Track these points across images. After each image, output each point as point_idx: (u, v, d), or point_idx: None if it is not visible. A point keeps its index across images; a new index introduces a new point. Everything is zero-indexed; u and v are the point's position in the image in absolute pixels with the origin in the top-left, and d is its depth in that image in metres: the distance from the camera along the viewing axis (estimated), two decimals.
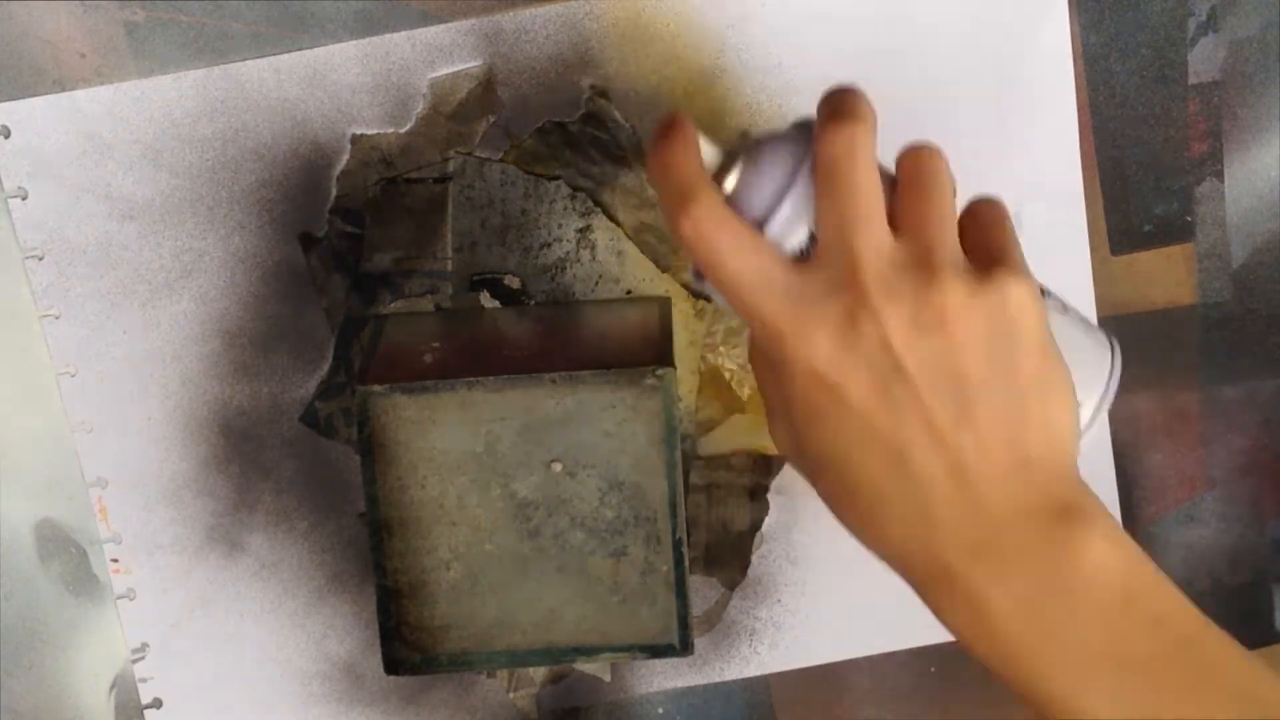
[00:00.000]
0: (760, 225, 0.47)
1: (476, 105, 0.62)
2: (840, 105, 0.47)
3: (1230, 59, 0.65)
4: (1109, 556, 0.48)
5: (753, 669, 0.68)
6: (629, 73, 0.63)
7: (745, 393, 0.66)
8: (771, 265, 0.46)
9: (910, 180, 0.47)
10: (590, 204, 0.64)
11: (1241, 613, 0.70)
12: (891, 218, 0.47)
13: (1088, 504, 0.49)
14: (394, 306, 0.64)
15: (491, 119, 0.63)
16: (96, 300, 0.63)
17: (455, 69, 0.62)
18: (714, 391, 0.66)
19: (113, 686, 0.67)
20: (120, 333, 0.63)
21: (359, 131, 0.62)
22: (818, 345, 0.46)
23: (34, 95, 0.61)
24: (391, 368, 0.58)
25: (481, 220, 0.64)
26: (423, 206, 0.63)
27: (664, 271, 0.65)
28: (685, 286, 0.65)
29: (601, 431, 0.57)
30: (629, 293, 0.65)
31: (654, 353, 0.57)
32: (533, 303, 0.64)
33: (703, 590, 0.67)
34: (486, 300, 0.64)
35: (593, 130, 0.63)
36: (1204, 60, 0.65)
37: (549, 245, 0.64)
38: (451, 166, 0.63)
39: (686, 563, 0.58)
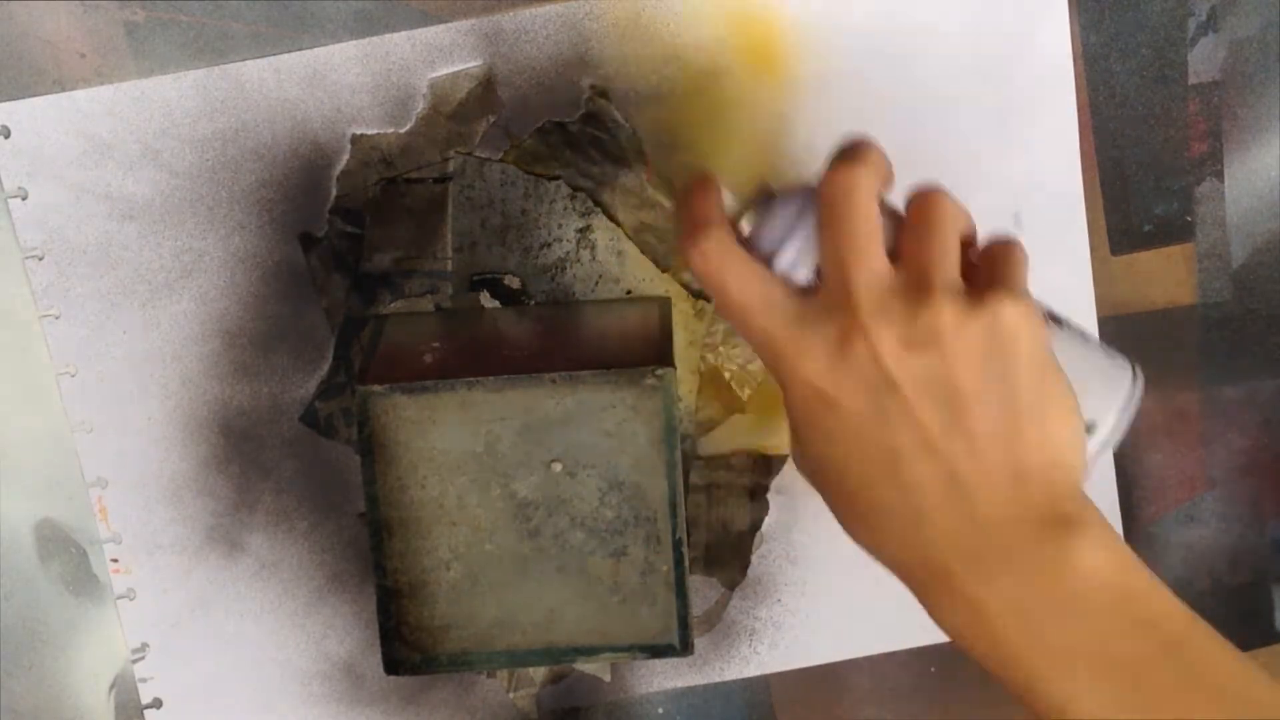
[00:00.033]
0: (769, 262, 0.51)
1: (476, 105, 0.62)
2: (848, 150, 0.50)
3: (1230, 59, 0.65)
4: (1101, 561, 0.49)
5: (753, 669, 0.68)
6: (629, 73, 0.62)
7: (745, 393, 0.66)
8: (773, 291, 0.50)
9: (914, 217, 0.50)
10: (590, 204, 0.64)
11: (1241, 613, 0.70)
12: (895, 254, 0.49)
13: (1084, 513, 0.49)
14: (394, 306, 0.64)
15: (491, 119, 0.63)
16: (96, 300, 0.63)
17: (455, 69, 0.62)
18: (714, 391, 0.66)
19: (113, 686, 0.67)
20: (120, 333, 0.63)
21: (359, 131, 0.62)
22: (814, 361, 0.49)
23: (34, 95, 0.61)
24: (391, 368, 0.58)
25: (481, 220, 0.64)
26: (423, 206, 0.63)
27: (664, 271, 0.65)
28: (685, 287, 0.65)
29: (601, 431, 0.57)
30: (629, 293, 0.65)
31: (654, 353, 0.57)
32: (533, 303, 0.64)
33: (703, 590, 0.67)
34: (486, 300, 0.64)
35: (593, 130, 0.63)
36: (1204, 60, 0.65)
37: (549, 245, 0.64)
38: (451, 166, 0.63)
39: (686, 563, 0.58)
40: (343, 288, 0.64)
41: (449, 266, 0.64)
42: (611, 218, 0.64)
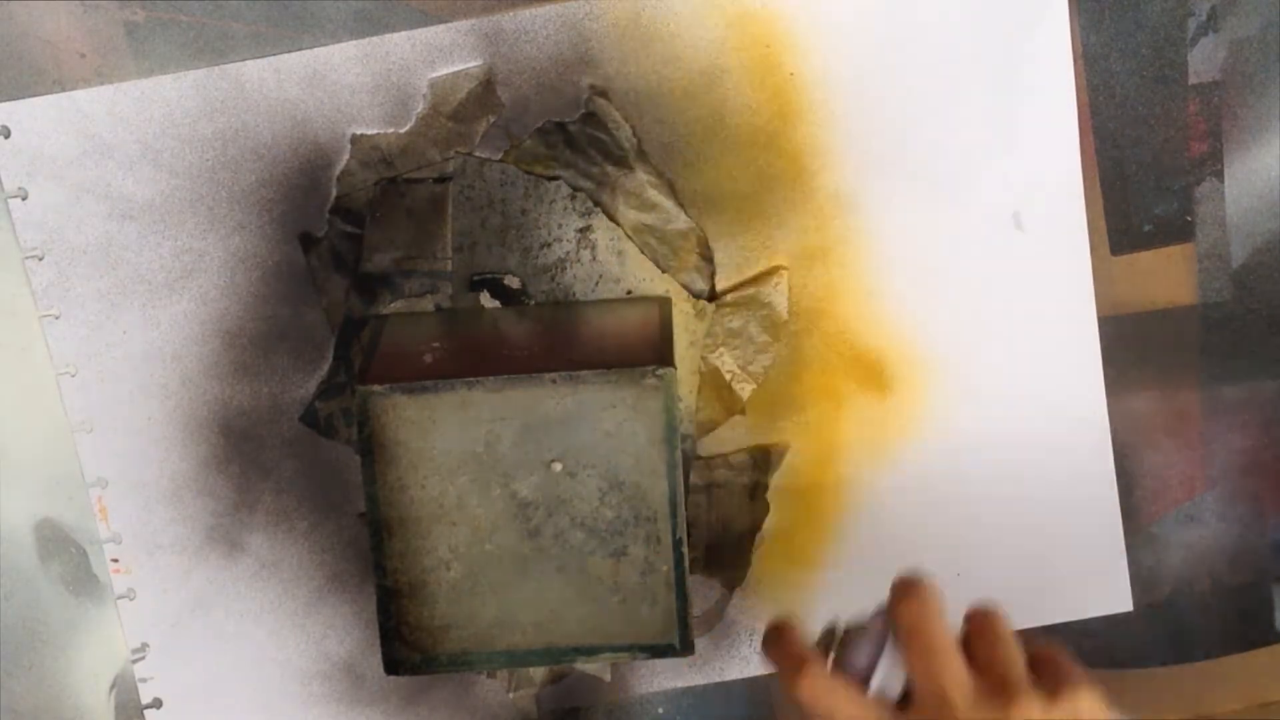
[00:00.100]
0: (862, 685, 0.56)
1: (476, 105, 0.62)
2: (907, 585, 0.56)
3: (1230, 59, 0.65)
4: None
5: (753, 669, 0.68)
6: (629, 73, 0.63)
7: (745, 393, 0.66)
8: (878, 711, 0.54)
9: (978, 630, 0.56)
10: (590, 204, 0.64)
11: (1241, 613, 0.70)
12: (967, 660, 0.55)
13: None
14: (394, 306, 0.64)
15: (491, 119, 0.63)
16: (96, 300, 0.63)
17: (455, 69, 0.62)
18: (714, 391, 0.66)
19: (113, 686, 0.67)
20: (120, 333, 0.63)
21: (359, 131, 0.62)
22: None
23: (34, 95, 0.61)
24: (391, 368, 0.58)
25: (481, 220, 0.64)
26: (423, 206, 0.63)
27: (664, 272, 0.65)
28: (685, 287, 0.65)
29: (602, 431, 0.57)
30: (629, 293, 0.65)
31: (654, 353, 0.57)
32: (533, 303, 0.64)
33: (703, 590, 0.67)
34: (486, 300, 0.64)
35: (593, 130, 0.63)
36: (1204, 60, 0.65)
37: (549, 245, 0.64)
38: (451, 166, 0.63)
39: (686, 563, 0.58)
40: (343, 288, 0.64)
41: (449, 266, 0.64)
42: (611, 218, 0.64)
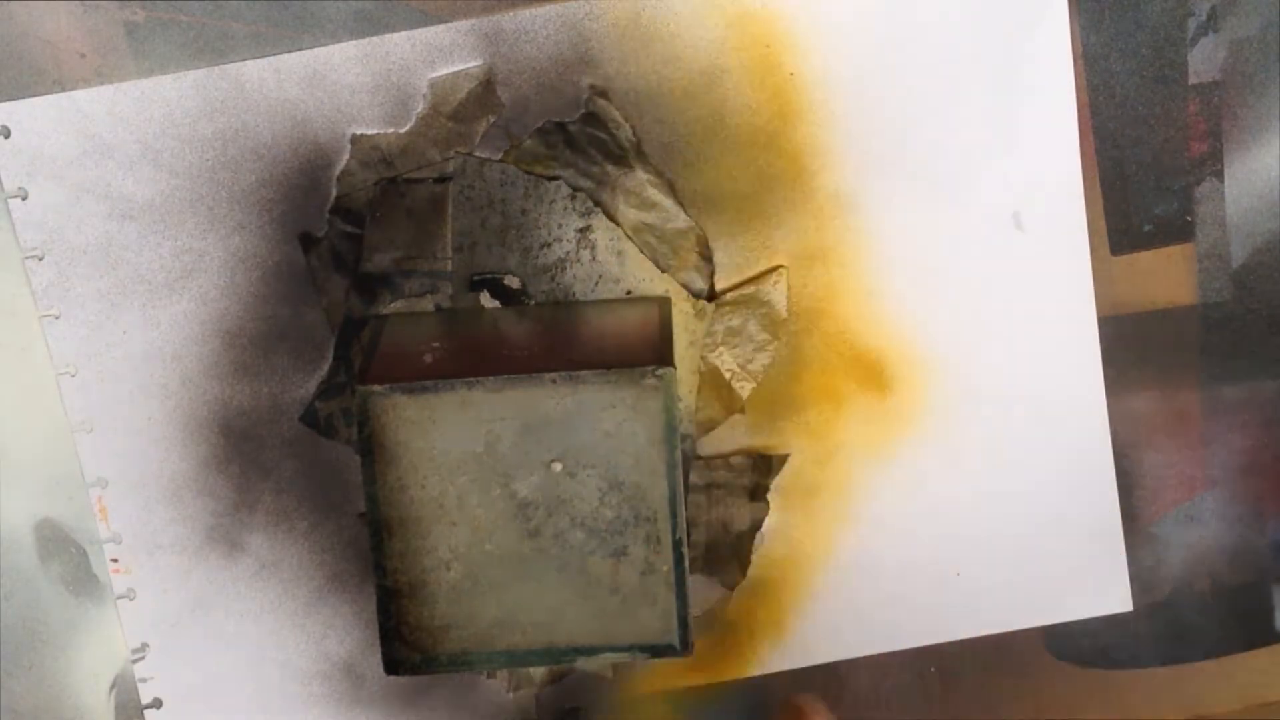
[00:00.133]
0: None
1: (476, 105, 0.62)
2: (790, 709, 0.59)
3: (1230, 59, 0.65)
4: None
5: (753, 669, 0.68)
6: (629, 73, 0.63)
7: (745, 392, 0.66)
8: None
9: None
10: (590, 204, 0.64)
11: (1241, 613, 0.70)
12: None
13: None
14: (394, 306, 0.64)
15: (491, 119, 0.63)
16: (96, 300, 0.63)
17: (455, 69, 0.62)
18: (714, 391, 0.66)
19: (113, 686, 0.67)
20: (120, 333, 0.63)
21: (359, 131, 0.62)
22: None
23: (34, 95, 0.61)
24: (391, 368, 0.58)
25: (481, 220, 0.64)
26: (423, 206, 0.63)
27: (664, 271, 0.65)
28: (685, 287, 0.65)
29: (601, 431, 0.57)
30: (629, 293, 0.65)
31: (654, 353, 0.57)
32: (533, 303, 0.64)
33: (703, 590, 0.67)
34: (486, 300, 0.64)
35: (593, 130, 0.63)
36: (1204, 60, 0.65)
37: (549, 245, 0.64)
38: (451, 166, 0.63)
39: (686, 563, 0.58)
40: (343, 288, 0.64)
41: (449, 266, 0.64)
42: (611, 218, 0.64)
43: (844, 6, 0.63)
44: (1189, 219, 0.67)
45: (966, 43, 0.63)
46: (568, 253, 0.64)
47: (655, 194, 0.64)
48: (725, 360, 0.66)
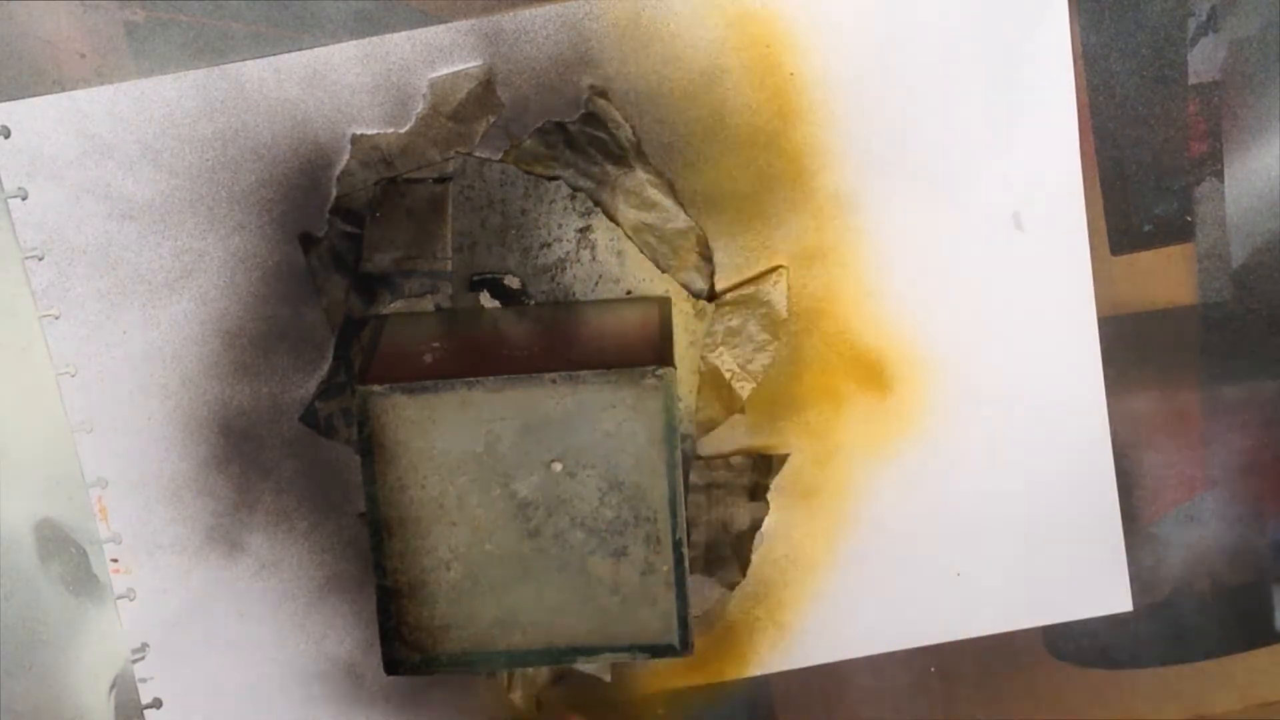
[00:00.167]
0: None
1: (476, 105, 0.62)
2: None
3: (1230, 59, 0.65)
4: None
5: (753, 669, 0.68)
6: (629, 73, 0.63)
7: (745, 392, 0.66)
8: None
9: None
10: (590, 204, 0.64)
11: (1241, 613, 0.70)
12: None
13: None
14: (394, 306, 0.64)
15: (491, 119, 0.63)
16: (96, 300, 0.63)
17: (455, 69, 0.62)
18: (714, 391, 0.66)
19: (113, 686, 0.67)
20: (120, 333, 0.63)
21: (359, 131, 0.62)
22: None
23: (34, 95, 0.61)
24: (391, 368, 0.58)
25: (481, 220, 0.64)
26: (423, 206, 0.63)
27: (664, 271, 0.65)
28: (685, 287, 0.65)
29: (601, 431, 0.57)
30: (629, 293, 0.65)
31: (654, 353, 0.57)
32: (533, 303, 0.64)
33: (703, 590, 0.67)
34: (486, 300, 0.64)
35: (593, 130, 0.63)
36: (1204, 60, 0.65)
37: (549, 245, 0.64)
38: (451, 166, 0.63)
39: (686, 563, 0.58)
40: (343, 288, 0.64)
41: (449, 266, 0.64)
42: (611, 218, 0.64)
43: (844, 6, 0.63)
44: (1189, 219, 0.67)
45: (966, 43, 0.63)
46: (568, 253, 0.64)
47: (655, 194, 0.63)
48: (725, 360, 0.66)
